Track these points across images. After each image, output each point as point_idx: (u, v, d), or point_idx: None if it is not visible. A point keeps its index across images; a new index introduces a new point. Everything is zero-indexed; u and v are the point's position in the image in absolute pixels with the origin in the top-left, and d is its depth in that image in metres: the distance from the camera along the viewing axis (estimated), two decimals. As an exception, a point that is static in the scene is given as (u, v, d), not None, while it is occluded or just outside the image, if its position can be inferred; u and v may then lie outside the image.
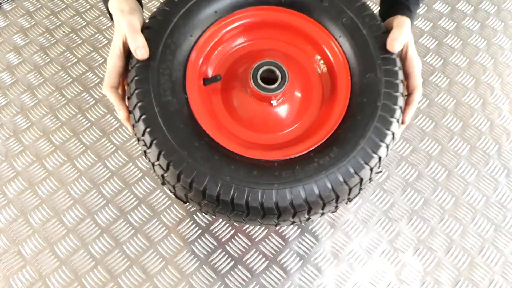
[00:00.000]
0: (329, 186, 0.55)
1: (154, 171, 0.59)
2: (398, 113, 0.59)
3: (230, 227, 0.92)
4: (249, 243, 0.90)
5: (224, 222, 0.92)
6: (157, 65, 0.58)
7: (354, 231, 0.92)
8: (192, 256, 0.89)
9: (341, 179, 0.55)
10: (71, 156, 1.00)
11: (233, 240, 0.90)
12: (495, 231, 0.93)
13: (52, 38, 1.18)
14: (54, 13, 1.23)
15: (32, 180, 0.97)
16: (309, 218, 0.60)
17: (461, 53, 1.18)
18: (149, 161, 0.58)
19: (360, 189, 0.59)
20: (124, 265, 0.88)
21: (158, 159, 0.56)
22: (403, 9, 0.65)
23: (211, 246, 0.90)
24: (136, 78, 0.58)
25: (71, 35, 1.19)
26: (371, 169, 0.57)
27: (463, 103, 1.10)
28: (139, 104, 0.56)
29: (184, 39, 0.61)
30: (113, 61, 0.61)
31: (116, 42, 0.61)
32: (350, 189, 0.57)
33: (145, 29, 0.61)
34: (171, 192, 0.62)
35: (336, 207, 0.60)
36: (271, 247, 0.90)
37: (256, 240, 0.91)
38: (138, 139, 0.58)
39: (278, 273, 0.87)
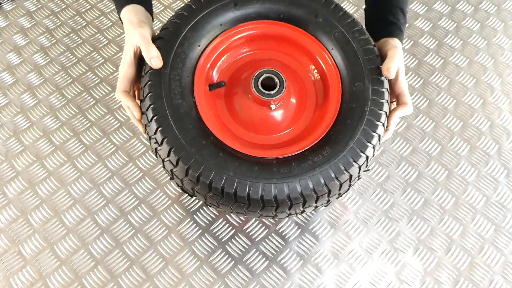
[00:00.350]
0: (322, 181, 0.61)
1: (164, 166, 0.64)
2: (383, 118, 0.66)
3: (230, 227, 0.92)
4: (249, 243, 0.90)
5: (224, 222, 0.92)
6: (169, 71, 0.64)
7: (354, 231, 0.92)
8: (192, 256, 0.89)
9: (332, 175, 0.61)
10: (71, 156, 1.00)
11: (233, 240, 0.90)
12: (495, 231, 0.93)
13: (53, 38, 1.18)
14: (55, 13, 1.23)
15: (32, 180, 0.97)
16: (303, 211, 0.65)
17: (461, 53, 1.18)
18: (160, 157, 0.63)
19: (350, 185, 0.65)
20: (124, 265, 0.88)
21: (168, 155, 0.61)
22: (396, 30, 0.72)
23: (211, 246, 0.90)
24: (149, 82, 0.63)
25: (71, 35, 1.19)
26: (360, 167, 0.63)
27: (463, 103, 1.10)
28: (152, 106, 0.62)
29: (193, 49, 0.67)
30: (125, 69, 0.66)
31: (127, 51, 0.66)
32: (341, 185, 0.63)
33: (157, 39, 0.66)
34: (178, 186, 0.66)
35: (328, 201, 0.65)
36: (271, 247, 0.90)
37: (256, 240, 0.91)
38: (150, 138, 0.64)
39: (278, 273, 0.87)
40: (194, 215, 0.93)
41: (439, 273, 0.88)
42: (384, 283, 0.87)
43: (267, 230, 0.92)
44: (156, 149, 0.63)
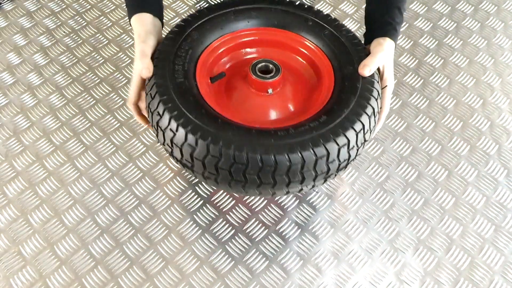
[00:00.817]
0: (320, 142, 0.64)
1: (164, 141, 0.69)
2: (375, 93, 0.71)
3: (230, 227, 0.92)
4: (249, 243, 0.90)
5: (224, 222, 0.92)
6: (173, 58, 0.72)
7: (354, 231, 0.92)
8: (192, 256, 0.89)
9: (330, 137, 0.65)
10: (71, 156, 1.00)
11: (233, 240, 0.90)
12: (495, 231, 0.93)
13: (53, 38, 1.18)
14: (55, 13, 1.23)
15: (32, 180, 0.97)
16: (303, 179, 0.66)
17: (461, 53, 1.18)
18: (160, 129, 0.68)
19: (349, 155, 0.68)
20: (124, 265, 0.88)
21: (169, 123, 0.66)
22: (391, 30, 0.75)
23: (211, 246, 0.90)
24: (154, 66, 0.71)
25: (71, 35, 1.19)
26: (357, 134, 0.67)
27: (463, 103, 1.10)
28: (155, 83, 0.69)
29: (196, 45, 0.76)
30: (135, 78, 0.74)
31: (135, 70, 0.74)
32: (339, 149, 0.66)
33: (164, 37, 0.76)
34: (177, 160, 0.71)
35: (328, 171, 0.67)
36: (271, 247, 0.90)
37: (256, 240, 0.91)
38: (152, 114, 0.69)
39: (278, 273, 0.87)
40: (194, 215, 0.93)
41: (439, 273, 0.88)
42: (384, 283, 0.87)
43: (267, 230, 0.92)
44: (157, 123, 0.68)
